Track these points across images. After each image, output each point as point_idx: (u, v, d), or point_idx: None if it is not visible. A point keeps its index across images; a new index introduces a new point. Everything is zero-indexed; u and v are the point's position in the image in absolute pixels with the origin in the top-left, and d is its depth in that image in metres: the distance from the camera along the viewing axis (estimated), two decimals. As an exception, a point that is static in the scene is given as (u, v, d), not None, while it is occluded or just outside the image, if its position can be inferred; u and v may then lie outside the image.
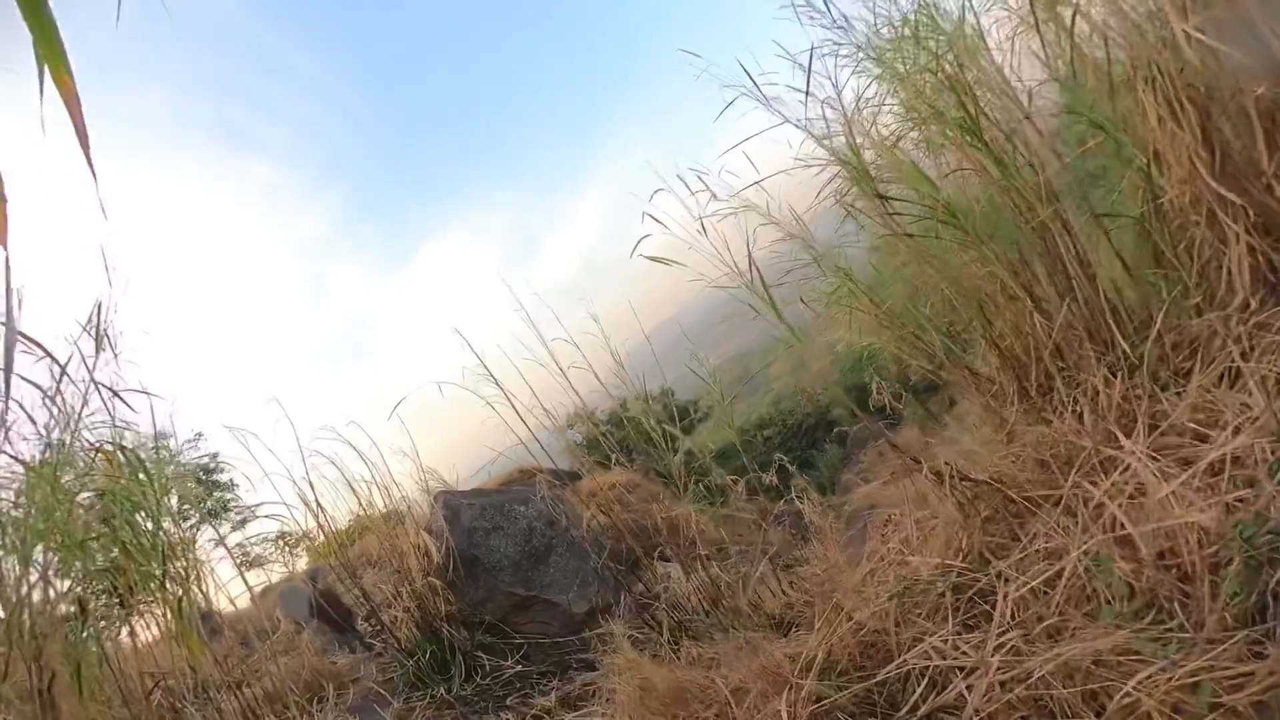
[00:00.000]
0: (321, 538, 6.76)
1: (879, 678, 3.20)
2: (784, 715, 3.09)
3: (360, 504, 6.64)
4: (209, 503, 15.30)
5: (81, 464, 3.60)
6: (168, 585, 3.63)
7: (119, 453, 3.65)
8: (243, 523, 15.29)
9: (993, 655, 2.87)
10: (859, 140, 4.73)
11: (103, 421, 3.74)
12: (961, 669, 2.93)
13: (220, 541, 6.52)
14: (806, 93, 4.55)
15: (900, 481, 5.55)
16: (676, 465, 6.63)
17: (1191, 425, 3.19)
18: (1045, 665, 2.68)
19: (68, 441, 3.51)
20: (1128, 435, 3.25)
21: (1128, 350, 3.72)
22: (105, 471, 3.60)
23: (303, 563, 12.95)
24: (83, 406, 3.66)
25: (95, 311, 3.82)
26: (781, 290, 5.15)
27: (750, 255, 4.64)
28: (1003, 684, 2.75)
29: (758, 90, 4.49)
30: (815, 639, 3.59)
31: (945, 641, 3.09)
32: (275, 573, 14.68)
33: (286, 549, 15.87)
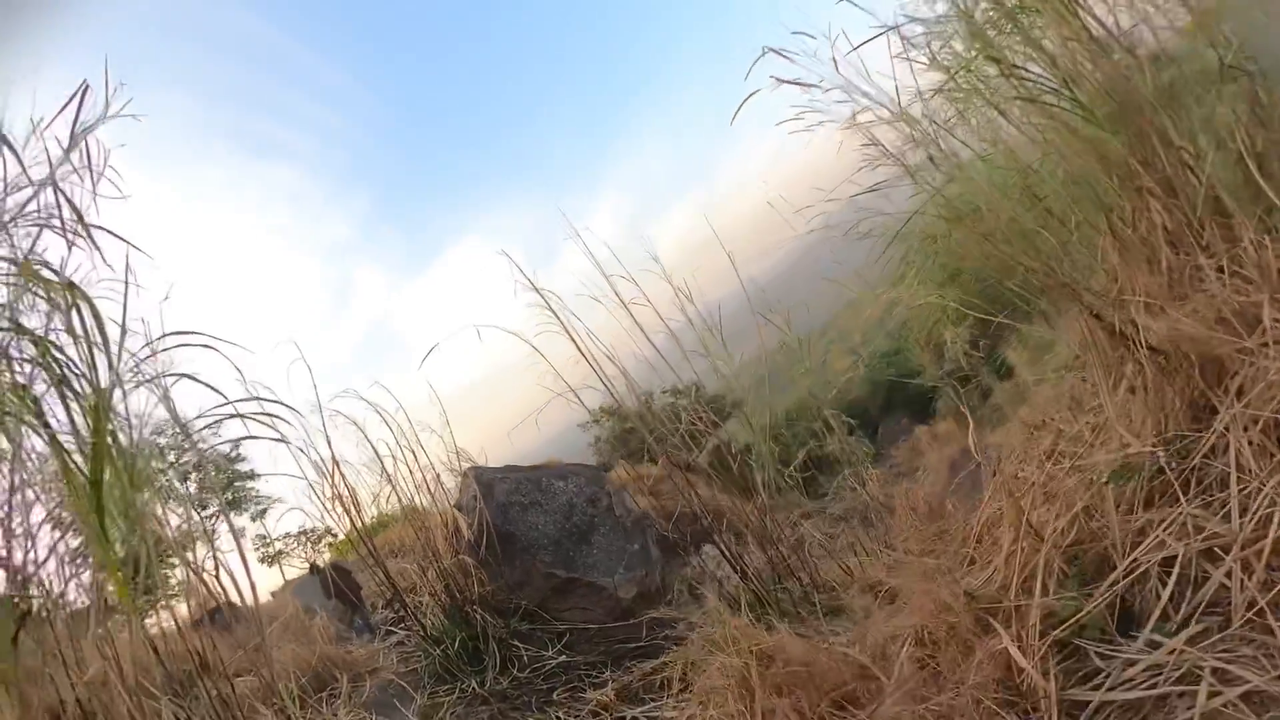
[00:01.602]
0: (347, 525, 5.50)
1: (1108, 586, 2.22)
2: (1014, 652, 1.91)
3: (385, 472, 5.44)
4: (229, 493, 14.15)
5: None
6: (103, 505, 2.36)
7: (67, 292, 2.34)
8: (263, 512, 14.19)
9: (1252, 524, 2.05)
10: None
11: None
12: (1220, 553, 2.08)
13: (236, 533, 5.26)
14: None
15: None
16: (716, 452, 5.52)
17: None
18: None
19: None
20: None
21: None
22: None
23: (326, 558, 11.76)
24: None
25: (79, 95, 2.62)
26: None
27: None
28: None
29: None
30: (1003, 560, 2.42)
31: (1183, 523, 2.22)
32: (298, 568, 13.54)
33: (310, 545, 14.72)
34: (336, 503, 5.33)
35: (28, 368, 2.47)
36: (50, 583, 2.75)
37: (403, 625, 5.95)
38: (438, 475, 5.66)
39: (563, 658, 4.94)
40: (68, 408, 2.26)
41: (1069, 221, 3.93)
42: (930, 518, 5.40)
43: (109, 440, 2.09)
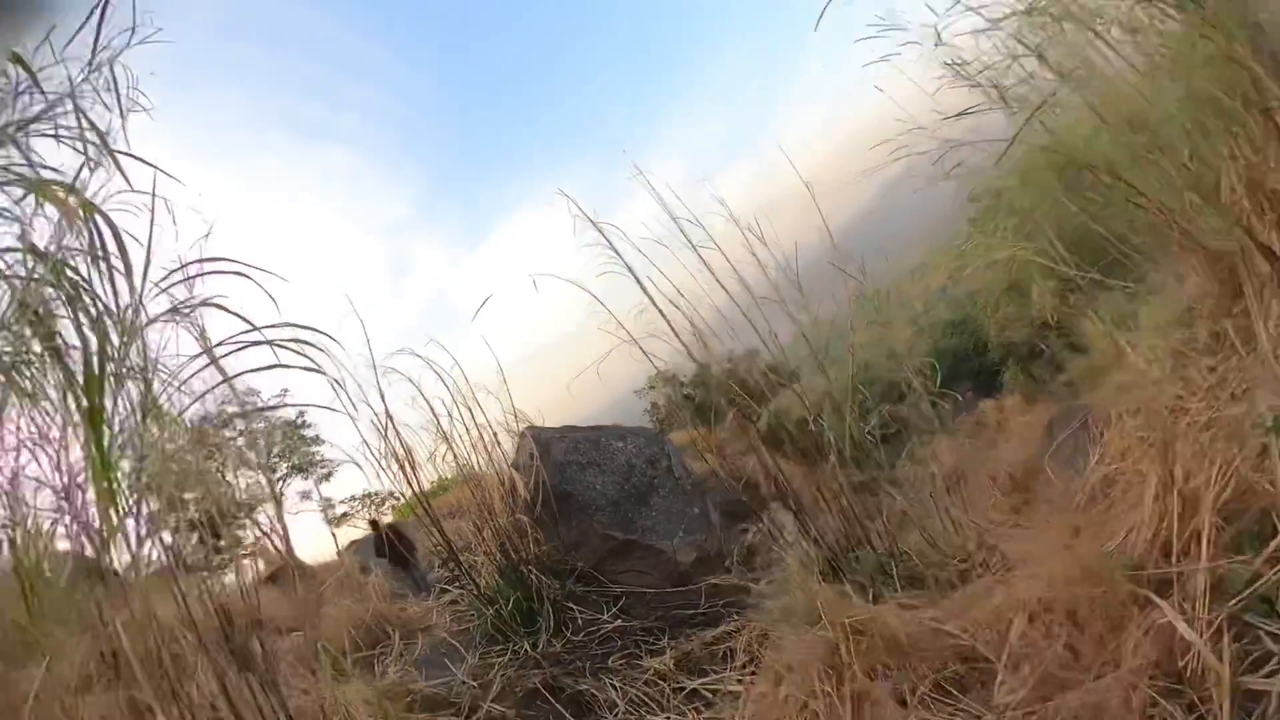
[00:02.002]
0: (403, 483, 5.23)
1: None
2: (1182, 628, 1.52)
3: (440, 429, 5.18)
4: (296, 457, 14.29)
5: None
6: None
7: (84, 210, 2.06)
8: (327, 476, 14.33)
9: None
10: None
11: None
12: None
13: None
14: None
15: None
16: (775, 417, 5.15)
17: None
18: None
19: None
20: None
21: None
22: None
23: (389, 519, 11.74)
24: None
25: (100, 9, 2.34)
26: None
27: None
28: None
29: None
30: (1145, 521, 1.99)
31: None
32: (363, 529, 13.60)
33: (374, 507, 14.79)
34: (392, 460, 5.10)
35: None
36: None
37: (457, 584, 5.72)
38: (494, 434, 5.38)
39: (618, 622, 4.63)
40: (81, 333, 1.98)
41: (1180, 150, 3.42)
42: (1014, 486, 4.93)
43: (113, 362, 1.80)
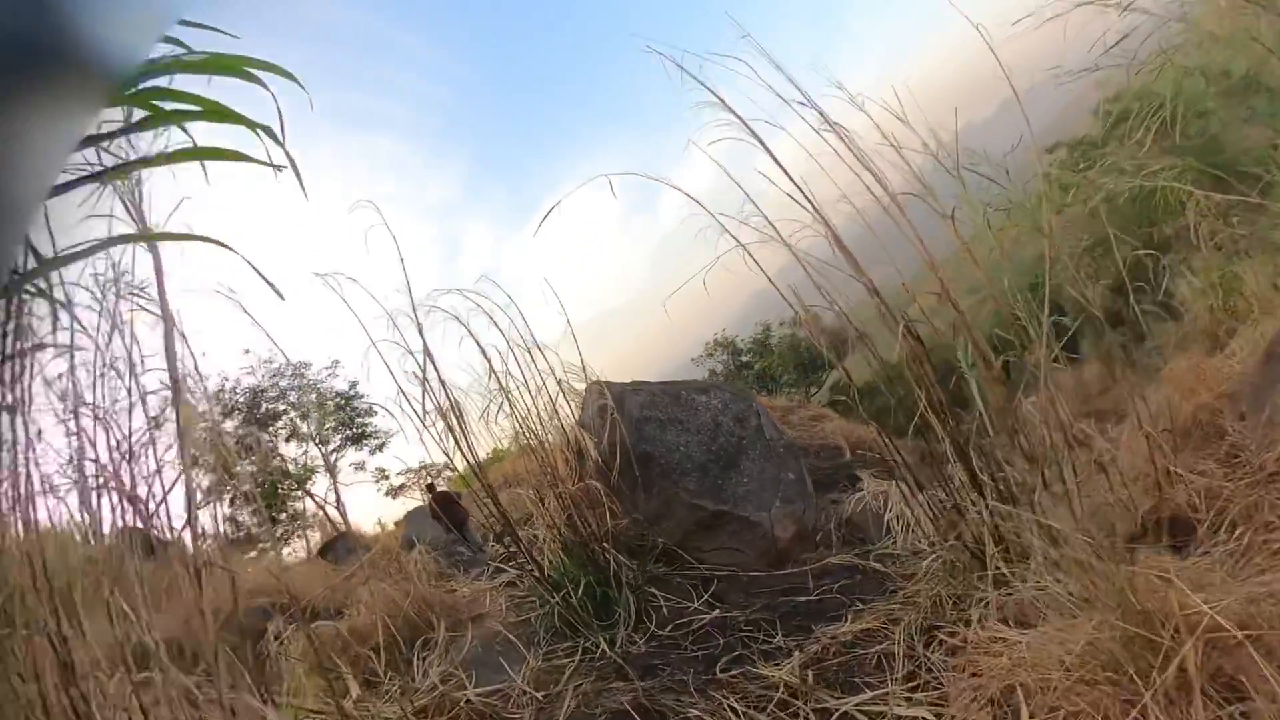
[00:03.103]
0: (447, 438, 4.18)
1: None
2: None
3: (492, 371, 4.12)
4: (350, 429, 13.57)
5: None
6: None
7: None
8: (380, 446, 13.59)
9: None
10: None
11: None
12: None
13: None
14: None
15: None
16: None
17: None
18: None
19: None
20: None
21: None
22: None
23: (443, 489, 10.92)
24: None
25: None
26: None
27: None
28: None
29: None
30: None
31: None
32: (416, 500, 12.82)
33: (427, 477, 14.01)
34: (437, 417, 4.06)
35: None
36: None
37: (514, 563, 4.66)
38: (559, 381, 4.30)
39: (715, 612, 3.53)
40: None
41: None
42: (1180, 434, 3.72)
43: None
